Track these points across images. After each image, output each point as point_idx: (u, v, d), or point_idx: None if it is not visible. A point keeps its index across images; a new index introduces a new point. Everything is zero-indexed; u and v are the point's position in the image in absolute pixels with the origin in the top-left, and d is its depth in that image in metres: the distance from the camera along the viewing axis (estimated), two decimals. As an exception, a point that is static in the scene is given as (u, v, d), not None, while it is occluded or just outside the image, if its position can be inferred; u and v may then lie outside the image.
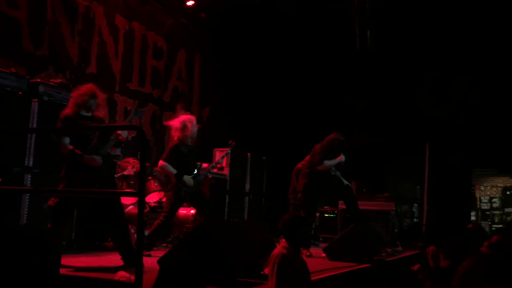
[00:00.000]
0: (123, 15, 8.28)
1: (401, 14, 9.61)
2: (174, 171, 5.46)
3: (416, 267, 4.40)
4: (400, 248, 7.15)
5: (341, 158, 6.61)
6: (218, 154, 8.29)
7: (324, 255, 5.93)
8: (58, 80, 6.04)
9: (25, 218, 5.23)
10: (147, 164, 7.09)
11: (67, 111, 4.58)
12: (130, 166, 6.61)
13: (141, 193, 2.79)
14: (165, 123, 5.76)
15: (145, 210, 6.38)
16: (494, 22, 9.55)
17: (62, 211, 4.51)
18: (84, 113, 4.61)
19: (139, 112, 5.46)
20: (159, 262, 3.70)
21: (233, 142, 6.29)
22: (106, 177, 4.68)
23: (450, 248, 4.54)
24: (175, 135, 5.62)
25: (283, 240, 3.73)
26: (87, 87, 4.70)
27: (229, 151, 6.27)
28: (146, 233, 5.49)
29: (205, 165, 6.10)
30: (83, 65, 7.52)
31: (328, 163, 6.50)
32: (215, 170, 7.59)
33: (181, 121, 5.60)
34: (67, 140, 4.48)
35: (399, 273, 5.96)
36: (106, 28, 7.97)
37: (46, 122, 5.43)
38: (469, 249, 3.95)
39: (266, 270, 3.70)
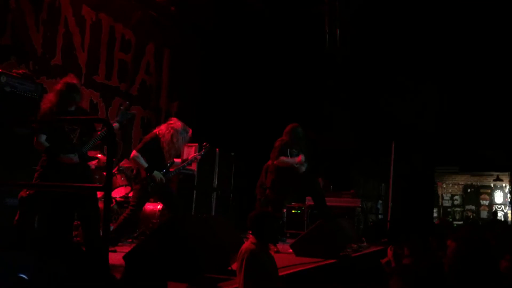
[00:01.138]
0: (90, 5, 8.08)
1: (370, 18, 9.76)
2: (145, 164, 5.35)
3: (384, 260, 4.47)
4: (365, 243, 7.26)
5: (301, 159, 6.33)
6: (186, 150, 8.20)
7: (291, 251, 5.97)
8: (21, 71, 5.83)
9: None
10: (113, 159, 6.96)
11: (48, 104, 4.46)
12: (95, 161, 6.46)
13: (107, 187, 2.73)
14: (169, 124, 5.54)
15: (111, 205, 6.27)
16: (460, 30, 9.81)
17: (34, 205, 4.41)
18: (67, 106, 4.46)
19: (127, 114, 4.95)
20: (124, 258, 3.64)
21: (207, 144, 6.22)
22: (82, 177, 4.51)
23: (413, 245, 4.63)
24: (163, 132, 5.44)
25: (252, 236, 3.73)
26: (70, 80, 4.59)
27: (203, 153, 6.21)
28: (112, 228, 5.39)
29: (177, 160, 6.02)
30: (47, 56, 7.31)
31: (285, 160, 6.29)
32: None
33: (180, 130, 5.45)
34: (43, 137, 4.38)
35: (364, 268, 6.05)
36: (72, 19, 7.76)
37: (7, 113, 5.26)
38: (439, 244, 4.04)
39: (234, 266, 3.69)
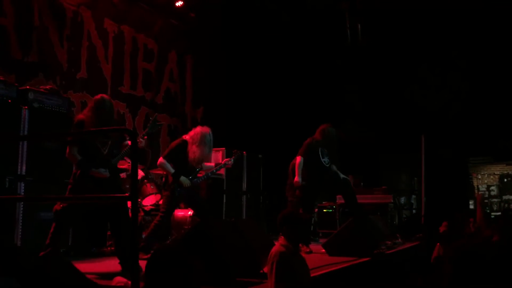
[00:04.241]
0: (112, 18, 8.21)
1: (394, 6, 9.58)
2: (172, 170, 5.40)
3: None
4: (399, 240, 7.14)
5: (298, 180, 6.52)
6: (213, 155, 8.21)
7: (323, 250, 5.91)
8: (48, 87, 5.97)
9: (20, 227, 5.17)
10: (142, 167, 7.04)
11: (82, 118, 4.56)
12: (125, 172, 6.54)
13: (133, 197, 2.74)
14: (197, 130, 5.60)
15: (140, 214, 6.33)
16: (485, 14, 9.54)
17: (68, 217, 4.50)
18: (101, 120, 4.50)
19: (157, 125, 4.93)
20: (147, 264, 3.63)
21: (238, 151, 6.22)
22: (113, 188, 4.54)
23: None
24: (190, 138, 5.47)
25: (282, 237, 3.69)
26: (103, 96, 4.69)
27: (233, 160, 6.20)
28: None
29: (208, 164, 6.03)
30: (73, 70, 7.45)
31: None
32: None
33: (207, 135, 5.47)
34: (75, 149, 4.47)
35: (400, 265, 5.94)
36: (95, 32, 7.89)
37: (37, 129, 5.39)
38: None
39: (265, 269, 3.66)
